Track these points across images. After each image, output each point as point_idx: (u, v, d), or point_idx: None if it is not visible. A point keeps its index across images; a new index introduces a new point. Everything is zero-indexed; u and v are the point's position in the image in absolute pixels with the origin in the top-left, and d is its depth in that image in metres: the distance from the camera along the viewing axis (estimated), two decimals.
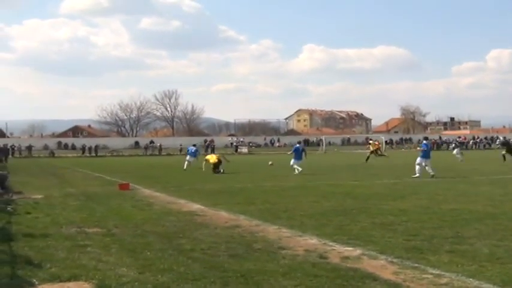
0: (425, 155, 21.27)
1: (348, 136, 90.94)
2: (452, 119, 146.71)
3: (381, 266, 6.40)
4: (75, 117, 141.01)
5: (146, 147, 70.54)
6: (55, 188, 18.03)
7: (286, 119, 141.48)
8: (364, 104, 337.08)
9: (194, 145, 33.71)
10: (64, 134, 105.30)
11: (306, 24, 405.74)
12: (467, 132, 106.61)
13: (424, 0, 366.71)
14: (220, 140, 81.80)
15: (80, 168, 33.77)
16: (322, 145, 70.63)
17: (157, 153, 66.81)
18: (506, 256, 6.79)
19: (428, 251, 7.16)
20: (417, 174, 20.54)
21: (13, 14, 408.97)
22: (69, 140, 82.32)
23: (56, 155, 63.43)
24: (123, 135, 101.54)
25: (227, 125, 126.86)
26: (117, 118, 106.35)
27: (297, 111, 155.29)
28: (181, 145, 65.82)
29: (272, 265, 6.46)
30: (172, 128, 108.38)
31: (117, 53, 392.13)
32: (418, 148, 23.30)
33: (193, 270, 6.22)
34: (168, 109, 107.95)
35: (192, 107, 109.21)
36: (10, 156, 54.49)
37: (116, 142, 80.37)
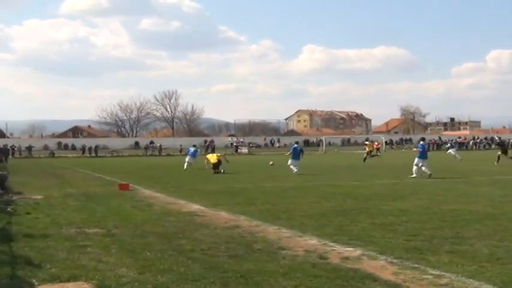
0: (422, 155, 21.31)
1: (348, 136, 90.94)
2: (452, 119, 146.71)
3: (381, 267, 6.40)
4: (75, 118, 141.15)
5: (146, 148, 70.52)
6: (55, 189, 18.03)
7: (286, 119, 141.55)
8: (364, 104, 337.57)
9: (194, 145, 33.73)
10: (64, 135, 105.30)
11: (306, 24, 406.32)
12: (467, 132, 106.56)
13: (424, 0, 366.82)
14: (220, 141, 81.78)
15: (80, 168, 33.77)
16: (322, 145, 70.60)
17: (157, 154, 66.77)
18: (506, 257, 6.79)
19: (428, 251, 7.16)
20: (414, 175, 20.55)
21: (13, 14, 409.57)
22: (69, 141, 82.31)
23: (56, 155, 63.42)
24: (123, 136, 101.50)
25: (227, 125, 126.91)
26: (117, 118, 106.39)
27: (297, 111, 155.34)
28: (181, 145, 65.81)
29: (272, 265, 6.46)
30: (172, 128, 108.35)
31: (117, 54, 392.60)
32: (414, 149, 23.40)
33: (193, 270, 6.22)
34: (168, 109, 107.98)
35: (192, 107, 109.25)
36: (10, 156, 54.50)
37: (115, 142, 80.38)
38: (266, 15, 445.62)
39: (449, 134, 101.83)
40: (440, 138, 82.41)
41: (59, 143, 77.68)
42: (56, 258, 6.90)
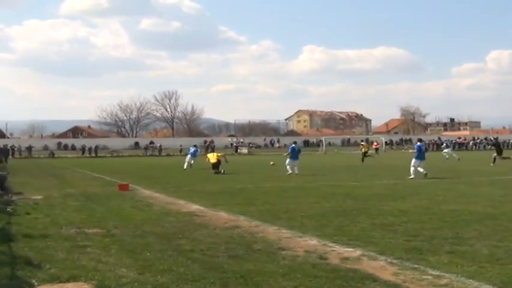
0: (420, 156, 21.30)
1: (348, 137, 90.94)
2: (452, 120, 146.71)
3: (381, 267, 6.40)
4: (75, 118, 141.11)
5: (146, 148, 70.54)
6: (55, 189, 18.03)
7: (286, 119, 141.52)
8: (364, 104, 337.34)
9: (195, 145, 33.81)
10: (64, 135, 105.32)
11: (306, 24, 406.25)
12: (467, 133, 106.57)
13: (424, 1, 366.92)
14: (220, 141, 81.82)
15: (79, 168, 33.77)
16: (322, 146, 70.59)
17: (157, 154, 66.76)
18: (506, 257, 6.79)
19: (428, 251, 7.16)
20: (412, 176, 20.54)
21: (13, 14, 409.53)
22: (69, 141, 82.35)
23: (55, 155, 63.38)
24: (123, 136, 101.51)
25: (227, 125, 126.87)
26: (117, 119, 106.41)
27: (297, 112, 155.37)
28: (181, 146, 65.85)
29: (272, 266, 6.46)
30: (172, 128, 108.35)
31: (117, 54, 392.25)
32: (410, 150, 23.43)
33: (192, 271, 6.21)
34: (168, 110, 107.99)
35: (192, 107, 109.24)
36: (10, 156, 54.50)
37: (115, 143, 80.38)
38: (266, 15, 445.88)
39: (449, 135, 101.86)
40: (439, 138, 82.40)
41: (59, 143, 77.71)
42: (55, 259, 6.90)
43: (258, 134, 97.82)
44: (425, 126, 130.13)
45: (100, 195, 15.49)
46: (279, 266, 6.44)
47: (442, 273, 6.02)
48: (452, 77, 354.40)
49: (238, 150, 69.52)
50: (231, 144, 76.44)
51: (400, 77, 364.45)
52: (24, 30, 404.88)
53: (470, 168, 27.84)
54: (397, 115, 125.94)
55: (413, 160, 21.29)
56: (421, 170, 20.74)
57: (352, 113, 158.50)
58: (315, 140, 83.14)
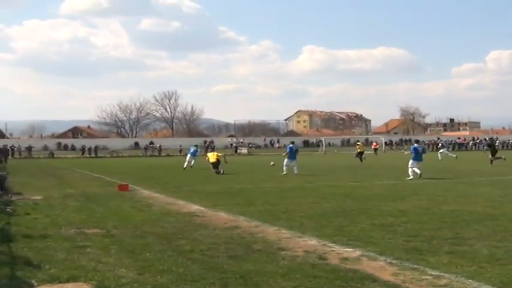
0: (417, 158, 21.27)
1: (348, 137, 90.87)
2: (452, 120, 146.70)
3: (380, 267, 6.40)
4: (74, 118, 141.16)
5: (146, 148, 70.52)
6: (54, 189, 18.02)
7: (286, 120, 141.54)
8: (363, 105, 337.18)
9: (195, 145, 33.86)
10: (64, 135, 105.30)
11: (306, 25, 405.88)
12: (467, 133, 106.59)
13: (424, 1, 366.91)
14: (220, 141, 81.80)
15: (79, 169, 33.76)
16: (322, 146, 70.60)
17: (157, 154, 66.76)
18: (506, 257, 6.79)
19: (427, 252, 7.17)
20: (411, 177, 20.53)
21: (13, 14, 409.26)
22: (69, 141, 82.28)
23: (55, 155, 63.37)
24: (123, 136, 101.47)
25: (227, 125, 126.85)
26: (116, 119, 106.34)
27: (296, 112, 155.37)
28: (180, 146, 65.85)
29: (271, 266, 6.46)
30: (172, 129, 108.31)
31: (117, 54, 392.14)
32: (406, 152, 23.40)
33: (192, 271, 6.21)
34: (168, 110, 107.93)
35: (192, 107, 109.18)
36: (10, 156, 54.50)
37: (115, 143, 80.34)
38: (266, 15, 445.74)
39: (448, 135, 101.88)
40: (439, 138, 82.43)
41: (59, 144, 77.65)
42: (55, 259, 6.90)
43: (257, 134, 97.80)
44: (425, 127, 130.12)
45: (100, 196, 15.49)
46: (278, 266, 6.44)
47: (442, 274, 6.03)
48: (452, 77, 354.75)
49: (238, 151, 69.51)
50: (231, 144, 76.44)
51: (400, 77, 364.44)
52: (24, 30, 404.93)
53: (469, 168, 27.85)
54: (396, 115, 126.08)
55: (411, 161, 21.31)
56: (417, 171, 20.74)
57: (351, 113, 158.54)
58: (314, 140, 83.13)
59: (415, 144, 22.43)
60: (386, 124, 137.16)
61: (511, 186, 17.36)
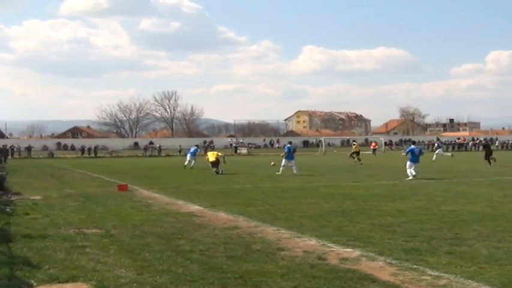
0: (414, 159, 21.25)
1: (347, 137, 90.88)
2: (451, 120, 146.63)
3: (380, 268, 6.40)
4: (74, 118, 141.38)
5: (145, 148, 70.45)
6: (54, 189, 18.02)
7: (285, 120, 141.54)
8: (363, 105, 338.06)
9: (196, 145, 33.91)
10: (63, 135, 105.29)
11: (306, 25, 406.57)
12: (466, 133, 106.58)
13: (424, 1, 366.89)
14: (220, 141, 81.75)
15: (79, 169, 33.74)
16: (322, 146, 70.53)
17: (157, 154, 66.68)
18: (505, 257, 6.79)
19: (427, 252, 7.16)
20: (410, 177, 20.52)
21: (13, 14, 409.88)
22: (69, 141, 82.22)
23: (55, 155, 63.31)
24: (123, 136, 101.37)
25: (226, 126, 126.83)
26: (116, 119, 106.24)
27: (296, 112, 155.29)
28: (180, 146, 65.83)
29: (271, 266, 6.46)
30: (172, 129, 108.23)
31: (116, 54, 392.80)
32: (403, 154, 23.39)
33: (191, 271, 6.21)
34: (168, 110, 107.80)
35: (192, 108, 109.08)
36: (9, 157, 54.45)
37: (115, 143, 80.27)
38: (266, 16, 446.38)
39: (448, 135, 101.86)
40: (438, 139, 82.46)
41: (58, 144, 77.60)
42: (54, 259, 6.90)
43: (257, 134, 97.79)
44: (425, 127, 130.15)
45: (99, 196, 15.48)
46: (277, 267, 6.44)
47: (441, 274, 6.03)
48: (451, 78, 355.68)
49: (238, 151, 69.45)
50: (231, 144, 76.38)
51: (400, 77, 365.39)
52: (24, 31, 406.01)
53: (469, 168, 27.85)
54: (396, 116, 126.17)
55: (408, 163, 21.31)
56: (412, 172, 20.74)
57: (351, 113, 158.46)
58: (314, 140, 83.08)
59: (412, 146, 22.40)
60: (386, 124, 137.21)
61: (511, 186, 17.37)
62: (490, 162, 29.82)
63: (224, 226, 9.58)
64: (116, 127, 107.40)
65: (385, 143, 75.82)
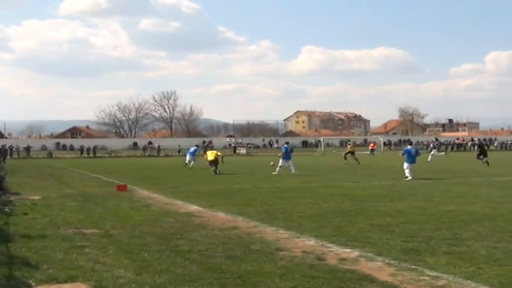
0: (409, 160, 21.28)
1: (347, 137, 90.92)
2: (450, 120, 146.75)
3: (378, 268, 6.40)
4: (73, 118, 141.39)
5: (144, 148, 70.40)
6: (53, 189, 18.01)
7: (284, 120, 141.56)
8: (362, 105, 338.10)
9: (196, 145, 33.96)
10: (62, 135, 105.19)
11: (305, 25, 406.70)
12: (465, 134, 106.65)
13: (423, 1, 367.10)
14: (219, 141, 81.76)
15: (77, 169, 33.71)
16: (321, 146, 70.55)
17: (156, 154, 66.64)
18: (504, 258, 6.79)
19: (425, 252, 7.17)
20: (409, 177, 20.52)
21: (12, 14, 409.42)
22: (68, 141, 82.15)
23: (54, 155, 63.26)
24: (122, 136, 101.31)
25: (226, 126, 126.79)
26: (115, 119, 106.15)
27: (295, 112, 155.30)
28: (179, 146, 65.81)
29: (269, 266, 6.46)
30: (171, 129, 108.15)
31: (116, 54, 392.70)
32: (400, 154, 23.43)
33: (190, 271, 6.21)
34: (167, 110, 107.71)
35: (191, 108, 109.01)
36: (8, 157, 54.40)
37: (114, 143, 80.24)
38: (265, 16, 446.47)
39: (447, 135, 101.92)
40: (436, 139, 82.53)
41: (57, 144, 77.58)
42: (53, 259, 6.89)
43: (256, 134, 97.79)
44: (424, 127, 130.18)
45: (98, 196, 15.47)
46: (276, 267, 6.44)
47: (440, 274, 6.03)
48: (450, 78, 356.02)
49: (237, 151, 69.45)
50: (230, 144, 76.37)
51: (399, 77, 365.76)
52: (23, 30, 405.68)
53: (467, 168, 27.87)
54: (395, 116, 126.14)
55: (405, 164, 21.34)
56: (408, 173, 20.77)
57: (350, 113, 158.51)
58: (313, 140, 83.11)
59: (408, 146, 22.41)
60: (385, 124, 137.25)
61: (509, 186, 17.37)
62: (487, 163, 29.81)
63: (223, 226, 9.58)
64: (115, 127, 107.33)
65: (384, 143, 75.85)
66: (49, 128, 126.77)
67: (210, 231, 9.09)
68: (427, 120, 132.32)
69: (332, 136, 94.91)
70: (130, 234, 8.80)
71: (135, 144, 79.83)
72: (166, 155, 65.13)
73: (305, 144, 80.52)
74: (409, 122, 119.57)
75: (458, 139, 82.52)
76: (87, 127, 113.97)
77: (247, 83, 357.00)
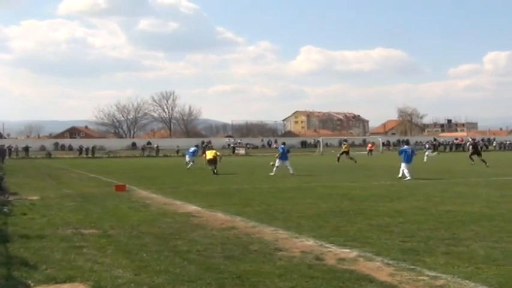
0: (406, 159, 21.32)
1: (345, 138, 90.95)
2: (449, 121, 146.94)
3: (377, 268, 6.40)
4: (72, 118, 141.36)
5: (143, 149, 70.47)
6: (51, 189, 17.99)
7: (283, 120, 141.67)
8: (361, 105, 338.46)
9: (196, 146, 33.99)
10: (61, 135, 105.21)
11: (304, 25, 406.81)
12: (464, 134, 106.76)
13: (422, 2, 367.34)
14: (218, 142, 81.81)
15: (76, 169, 33.70)
16: (319, 147, 70.60)
17: (154, 155, 66.67)
18: (502, 258, 6.80)
19: (424, 252, 7.17)
20: (408, 177, 20.54)
21: (11, 14, 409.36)
22: (66, 141, 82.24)
23: (52, 156, 63.29)
24: (120, 137, 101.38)
25: (224, 126, 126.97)
26: (114, 119, 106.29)
27: (294, 112, 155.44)
28: (178, 146, 65.83)
29: (268, 267, 6.46)
30: (170, 129, 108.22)
31: (114, 54, 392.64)
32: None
33: (189, 271, 6.21)
34: (166, 110, 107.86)
35: (190, 108, 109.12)
36: (7, 157, 54.37)
37: (112, 143, 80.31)
38: (264, 16, 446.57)
39: (446, 136, 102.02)
40: (435, 139, 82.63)
41: (56, 144, 77.64)
42: (51, 259, 6.89)
43: (255, 134, 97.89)
44: (423, 127, 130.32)
45: (97, 196, 15.46)
46: (275, 267, 6.44)
47: (439, 274, 6.03)
48: (449, 78, 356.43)
49: (236, 151, 69.50)
50: (229, 144, 76.46)
51: (398, 78, 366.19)
52: (22, 31, 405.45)
53: (466, 169, 27.88)
54: (394, 116, 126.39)
55: (402, 163, 21.38)
56: (406, 172, 20.79)
57: (349, 113, 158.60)
58: (312, 140, 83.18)
59: (405, 146, 22.48)
60: (384, 125, 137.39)
61: (508, 187, 17.39)
62: (485, 162, 29.85)
63: (222, 226, 9.58)
64: (114, 127, 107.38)
65: (383, 143, 75.91)
66: (48, 128, 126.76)
67: (209, 231, 9.09)
68: (426, 120, 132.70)
69: (331, 136, 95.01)
70: (129, 234, 8.80)
71: (133, 144, 79.90)
72: (165, 155, 65.14)
73: (304, 144, 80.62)
74: (408, 122, 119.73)
75: (457, 139, 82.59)
76: (86, 127, 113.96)
77: (246, 84, 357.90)
